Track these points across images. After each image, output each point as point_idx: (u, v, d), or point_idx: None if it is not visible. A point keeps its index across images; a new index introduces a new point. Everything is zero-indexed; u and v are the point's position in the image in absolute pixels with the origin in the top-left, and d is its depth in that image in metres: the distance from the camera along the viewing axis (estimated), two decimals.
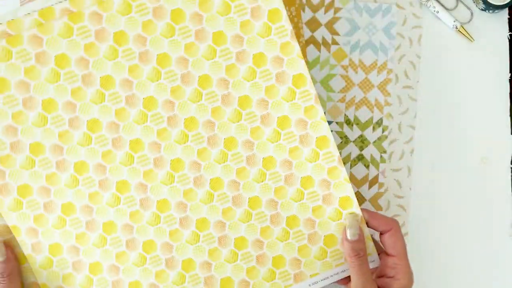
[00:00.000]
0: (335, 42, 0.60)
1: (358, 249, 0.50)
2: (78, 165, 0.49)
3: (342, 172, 0.52)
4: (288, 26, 0.49)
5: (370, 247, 0.53)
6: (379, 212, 0.60)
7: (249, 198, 0.51)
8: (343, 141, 0.59)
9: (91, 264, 0.51)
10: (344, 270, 0.53)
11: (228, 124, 0.50)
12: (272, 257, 0.52)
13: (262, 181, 0.51)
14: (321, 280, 0.53)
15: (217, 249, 0.52)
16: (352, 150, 0.60)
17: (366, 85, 0.60)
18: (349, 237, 0.51)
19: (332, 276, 0.53)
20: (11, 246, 0.50)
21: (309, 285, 0.53)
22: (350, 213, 0.52)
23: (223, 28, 0.48)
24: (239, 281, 0.52)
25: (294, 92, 0.50)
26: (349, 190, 0.52)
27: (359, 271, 0.50)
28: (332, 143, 0.51)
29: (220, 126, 0.50)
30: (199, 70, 0.49)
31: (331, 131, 0.59)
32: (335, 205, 0.52)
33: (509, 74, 0.61)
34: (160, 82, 0.49)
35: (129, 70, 0.48)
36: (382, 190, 0.60)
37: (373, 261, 0.53)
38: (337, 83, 0.59)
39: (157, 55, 0.48)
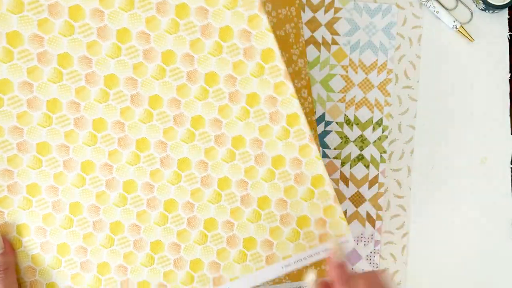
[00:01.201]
0: (335, 42, 0.60)
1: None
2: (40, 146, 0.48)
3: (314, 150, 0.50)
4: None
5: (344, 227, 0.51)
6: (379, 212, 0.60)
7: (218, 178, 0.50)
8: (343, 141, 0.59)
9: (58, 245, 0.50)
10: (318, 253, 0.52)
11: (194, 102, 0.49)
12: (243, 238, 0.51)
13: (232, 161, 0.50)
14: (294, 262, 0.52)
15: (186, 231, 0.51)
16: (352, 150, 0.60)
17: (366, 85, 0.60)
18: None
19: (305, 258, 0.52)
20: (9, 240, 0.50)
21: (282, 267, 0.52)
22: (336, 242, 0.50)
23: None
24: (209, 263, 0.51)
25: (262, 68, 0.48)
26: (321, 168, 0.50)
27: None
28: (303, 120, 0.49)
29: (186, 104, 0.48)
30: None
31: (331, 131, 0.59)
32: (307, 184, 0.51)
33: (509, 74, 0.61)
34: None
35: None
36: (382, 190, 0.60)
37: (347, 241, 0.51)
38: (337, 83, 0.59)
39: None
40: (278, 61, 0.48)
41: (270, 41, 0.48)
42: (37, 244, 0.50)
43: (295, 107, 0.49)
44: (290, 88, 0.49)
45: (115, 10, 0.47)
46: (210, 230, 0.51)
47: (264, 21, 0.47)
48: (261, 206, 0.51)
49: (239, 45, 0.48)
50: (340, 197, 0.59)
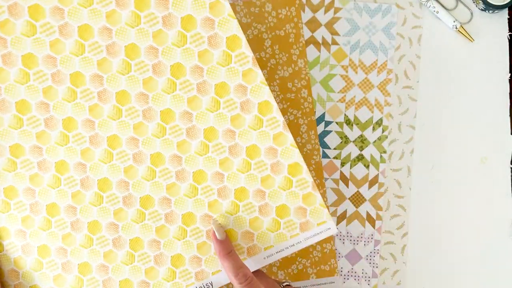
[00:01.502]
0: (335, 42, 0.60)
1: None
2: (13, 148, 0.48)
3: (288, 138, 0.49)
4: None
5: (324, 214, 0.51)
6: (379, 212, 0.60)
7: (193, 172, 0.49)
8: (343, 141, 0.59)
9: (39, 247, 0.50)
10: (300, 242, 0.51)
11: (162, 96, 0.48)
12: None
13: (206, 154, 0.49)
14: (276, 252, 0.51)
15: (165, 226, 0.50)
16: (352, 150, 0.60)
17: (366, 85, 0.60)
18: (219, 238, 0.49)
19: (287, 248, 0.51)
20: None
21: (264, 258, 0.51)
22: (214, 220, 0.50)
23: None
24: (190, 257, 0.51)
25: (229, 56, 0.48)
26: (297, 156, 0.49)
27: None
28: (275, 108, 0.48)
29: (154, 98, 0.48)
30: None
31: (331, 131, 0.59)
32: (284, 173, 0.50)
33: (509, 74, 0.61)
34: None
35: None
36: (382, 190, 0.60)
37: (329, 228, 0.51)
38: (337, 83, 0.60)
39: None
40: (245, 48, 0.48)
41: (234, 28, 0.47)
42: (18, 247, 0.50)
43: (266, 94, 0.48)
44: (259, 75, 0.48)
45: (74, 6, 0.47)
46: (189, 225, 0.50)
47: (226, 7, 0.47)
48: (238, 197, 0.50)
49: (203, 34, 0.47)
50: (340, 197, 0.60)
